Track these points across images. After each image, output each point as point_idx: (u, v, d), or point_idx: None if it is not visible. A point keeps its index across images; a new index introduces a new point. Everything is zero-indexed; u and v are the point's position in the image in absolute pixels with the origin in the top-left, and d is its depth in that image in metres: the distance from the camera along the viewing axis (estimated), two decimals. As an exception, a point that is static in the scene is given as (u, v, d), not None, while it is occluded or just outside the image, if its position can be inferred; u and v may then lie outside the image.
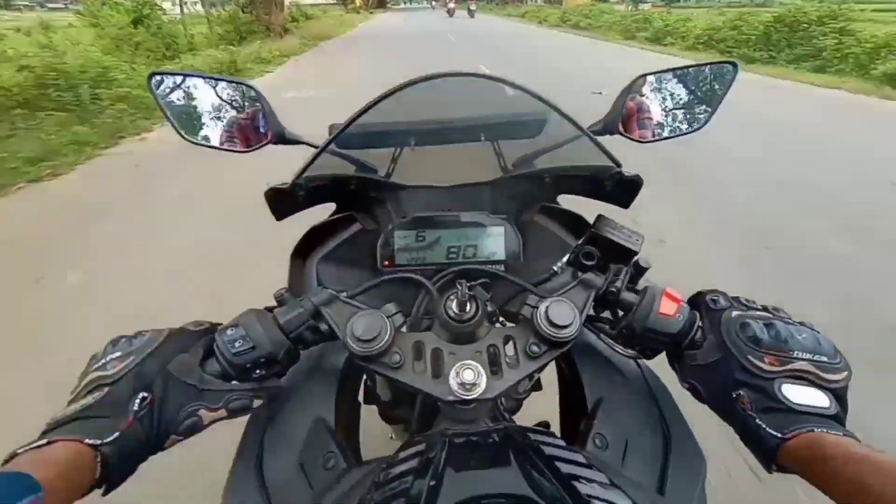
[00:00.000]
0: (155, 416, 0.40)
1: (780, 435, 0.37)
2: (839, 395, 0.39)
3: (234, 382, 0.45)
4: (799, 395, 0.39)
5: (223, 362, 0.44)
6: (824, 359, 0.40)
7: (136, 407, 0.38)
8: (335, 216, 0.67)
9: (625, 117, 0.65)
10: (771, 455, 0.38)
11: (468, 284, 0.46)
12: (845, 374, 0.40)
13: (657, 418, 0.52)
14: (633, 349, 0.51)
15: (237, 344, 0.44)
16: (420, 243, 0.62)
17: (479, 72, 0.52)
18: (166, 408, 0.41)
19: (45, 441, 0.34)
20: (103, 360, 0.41)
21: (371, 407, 0.81)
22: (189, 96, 0.66)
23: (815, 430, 0.36)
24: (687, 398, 0.50)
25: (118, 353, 0.42)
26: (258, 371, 0.46)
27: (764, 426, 0.38)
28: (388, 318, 0.44)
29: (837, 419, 0.38)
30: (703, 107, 0.67)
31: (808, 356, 0.40)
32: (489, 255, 0.62)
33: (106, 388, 0.39)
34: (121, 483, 0.38)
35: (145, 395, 0.39)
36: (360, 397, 0.74)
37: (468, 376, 0.42)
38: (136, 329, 0.45)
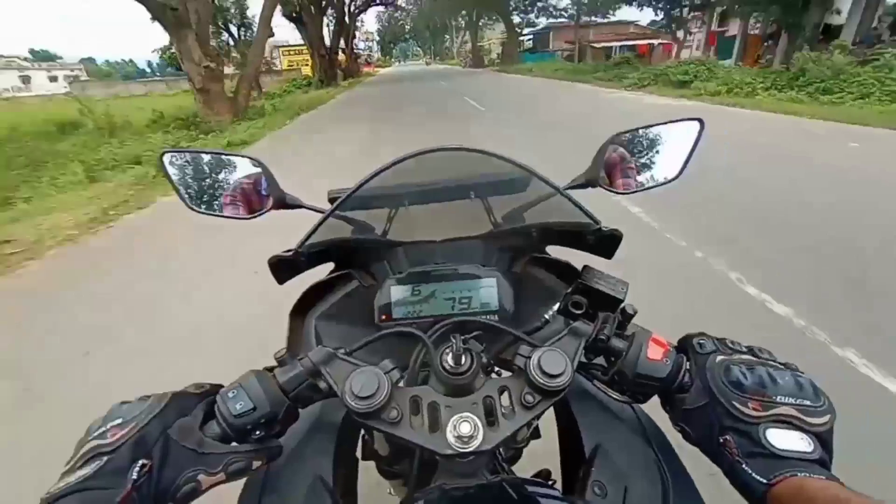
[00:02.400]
0: (153, 483, 0.39)
1: (764, 481, 0.38)
2: (823, 439, 0.40)
3: (233, 444, 0.45)
4: (783, 440, 0.40)
5: (223, 424, 0.45)
6: (807, 402, 0.41)
7: (134, 476, 0.38)
8: (333, 274, 0.69)
9: (606, 171, 0.70)
10: (758, 499, 0.39)
11: (462, 337, 0.48)
12: (828, 416, 0.41)
13: (654, 463, 0.53)
14: (625, 394, 0.53)
15: (238, 406, 0.45)
16: (416, 297, 0.64)
17: (466, 146, 0.56)
18: (165, 475, 0.40)
19: None
20: (103, 428, 0.41)
21: (369, 462, 0.80)
22: (196, 171, 0.71)
23: (799, 474, 0.37)
24: (682, 440, 0.51)
25: (118, 420, 0.41)
26: (258, 432, 0.46)
27: (749, 471, 0.39)
28: (385, 373, 0.45)
29: (822, 463, 0.39)
30: (676, 159, 0.72)
31: (791, 400, 0.41)
32: (483, 305, 0.64)
33: (105, 458, 0.38)
34: None
35: (145, 462, 0.39)
36: (359, 453, 0.74)
37: (465, 429, 0.42)
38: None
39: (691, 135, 0.72)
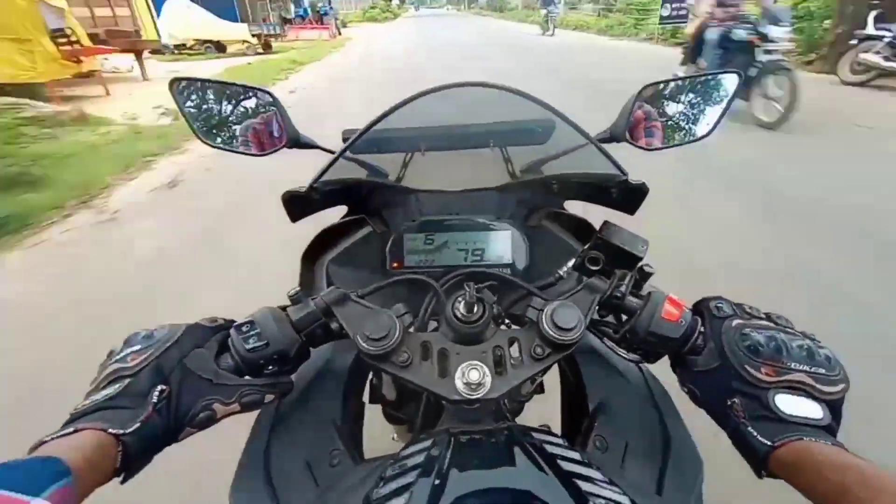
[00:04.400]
0: (172, 407, 0.41)
1: (769, 443, 0.38)
2: (834, 407, 0.40)
3: (246, 378, 0.46)
4: (792, 405, 0.40)
5: (237, 358, 0.46)
6: (821, 370, 0.41)
7: (154, 399, 0.40)
8: (346, 219, 0.68)
9: (632, 125, 0.67)
10: (761, 462, 0.39)
11: (475, 287, 0.47)
12: (842, 386, 0.41)
13: (657, 421, 0.53)
14: (635, 353, 0.52)
15: (251, 340, 0.46)
16: (429, 246, 0.63)
17: (489, 82, 0.53)
18: (182, 400, 0.42)
19: (71, 429, 0.35)
20: (122, 353, 0.43)
21: (373, 407, 0.83)
22: (208, 101, 0.69)
23: (805, 438, 0.37)
24: (687, 402, 0.51)
25: (137, 347, 0.43)
26: (270, 367, 0.47)
27: (755, 433, 0.40)
28: (397, 318, 0.45)
29: (829, 430, 0.39)
30: (708, 114, 0.68)
31: (805, 367, 0.41)
32: (496, 258, 0.64)
33: (126, 380, 0.40)
34: (138, 472, 0.40)
35: (163, 387, 0.41)
36: (365, 396, 0.76)
37: (474, 376, 0.43)
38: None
39: (727, 88, 0.68)
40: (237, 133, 0.69)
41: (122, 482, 0.39)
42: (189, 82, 0.69)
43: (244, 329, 0.46)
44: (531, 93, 0.54)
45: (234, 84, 0.69)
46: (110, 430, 0.36)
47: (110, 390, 0.40)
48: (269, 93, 0.67)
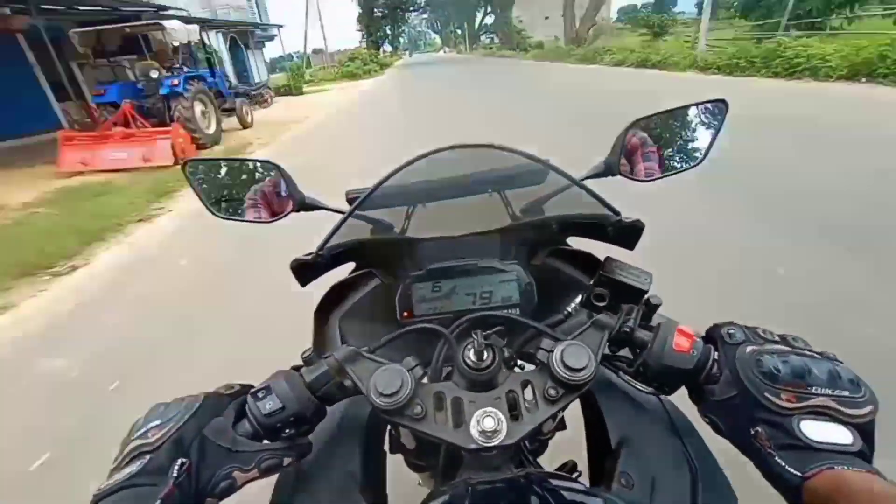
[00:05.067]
0: (192, 480, 0.41)
1: (799, 473, 0.37)
2: (864, 430, 0.39)
3: (265, 442, 0.47)
4: (819, 431, 0.38)
5: (255, 423, 0.46)
6: (845, 393, 0.39)
7: (175, 473, 0.40)
8: (355, 273, 0.70)
9: (626, 157, 0.68)
10: (794, 493, 0.37)
11: (484, 333, 0.48)
12: (870, 408, 0.39)
13: (682, 455, 0.52)
14: (651, 386, 0.52)
15: (268, 405, 0.46)
16: (437, 293, 0.64)
17: (479, 143, 0.56)
18: (203, 472, 0.42)
19: None
20: (144, 429, 0.44)
21: (398, 456, 0.82)
22: (217, 177, 0.74)
23: (836, 467, 0.35)
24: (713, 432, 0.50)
25: (158, 421, 0.44)
26: (288, 430, 0.48)
27: (783, 464, 0.38)
28: (408, 370, 0.46)
29: (862, 455, 0.37)
30: (699, 142, 0.70)
31: (828, 391, 0.39)
32: (504, 299, 0.64)
33: (148, 456, 0.41)
34: None
35: (184, 460, 0.41)
36: (386, 446, 0.75)
37: (489, 424, 0.43)
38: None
39: (715, 116, 0.69)
40: (247, 202, 0.72)
41: None
42: (199, 162, 0.74)
43: (260, 395, 0.47)
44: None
45: (241, 159, 0.75)
46: None
47: (133, 468, 0.40)
48: (272, 163, 0.72)
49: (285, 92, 19.55)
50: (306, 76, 26.23)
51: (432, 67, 32.07)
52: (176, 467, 0.40)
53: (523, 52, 33.90)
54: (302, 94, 19.81)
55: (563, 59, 22.85)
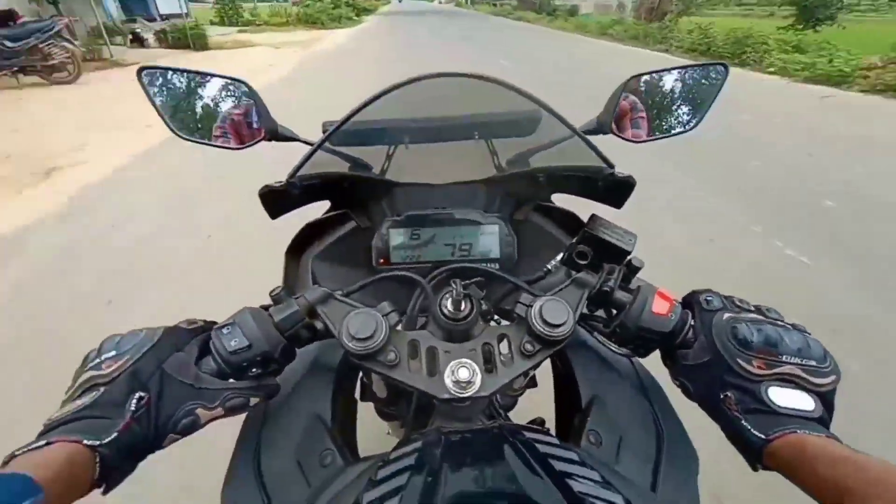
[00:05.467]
0: (152, 415, 0.40)
1: (763, 436, 0.38)
2: (826, 399, 0.40)
3: (230, 381, 0.45)
4: (784, 398, 0.40)
5: (219, 361, 0.45)
6: (812, 363, 0.41)
7: (132, 407, 0.38)
8: (330, 213, 0.67)
9: (618, 116, 0.66)
10: (756, 455, 0.39)
11: (463, 283, 0.46)
12: (833, 378, 0.41)
13: (650, 416, 0.53)
14: (626, 347, 0.52)
15: (233, 342, 0.44)
16: (415, 241, 0.62)
17: (473, 72, 0.52)
18: (163, 407, 0.41)
19: (43, 442, 0.34)
20: (97, 360, 0.41)
21: (368, 403, 0.82)
22: (180, 92, 0.66)
23: (798, 431, 0.37)
24: (680, 396, 0.51)
25: (112, 353, 0.42)
26: (254, 369, 0.46)
27: (749, 427, 0.40)
28: (383, 316, 0.44)
29: (822, 422, 0.39)
30: (695, 106, 0.68)
31: (797, 360, 0.41)
32: (484, 253, 0.63)
33: (102, 388, 0.39)
34: (120, 482, 0.39)
35: (142, 394, 0.39)
36: (357, 394, 0.75)
37: (463, 374, 0.42)
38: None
39: (714, 80, 0.67)
40: (213, 125, 0.66)
41: (104, 493, 0.38)
42: (159, 71, 0.66)
43: (225, 331, 0.45)
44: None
45: (207, 73, 0.66)
46: (85, 442, 0.35)
47: (86, 399, 0.38)
48: (244, 83, 0.65)
49: (175, 43, 11.37)
50: (245, 14, 19.64)
51: (426, 22, 22.53)
52: (134, 400, 0.39)
53: (550, 17, 22.44)
54: (206, 48, 11.42)
55: (587, 33, 15.56)
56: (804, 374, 0.40)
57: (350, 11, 23.95)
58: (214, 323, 0.47)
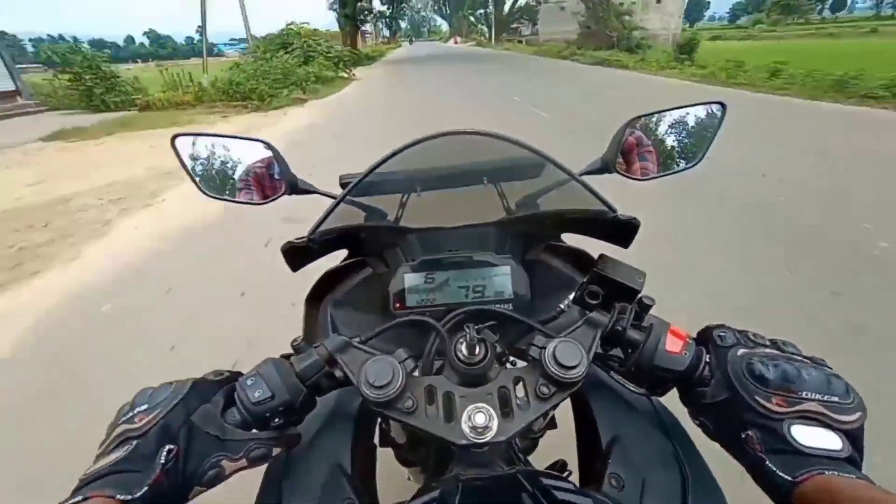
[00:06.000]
0: (180, 467, 0.41)
1: (790, 478, 0.37)
2: (853, 437, 0.39)
3: (253, 431, 0.46)
4: (809, 436, 0.38)
5: (243, 412, 0.46)
6: (835, 399, 0.40)
7: (162, 459, 0.39)
8: (348, 261, 0.70)
9: (623, 155, 0.68)
10: (784, 498, 0.38)
11: (476, 327, 0.47)
12: (858, 414, 0.39)
13: (673, 456, 0.52)
14: (642, 386, 0.52)
15: (257, 393, 0.46)
16: (429, 284, 0.64)
17: (479, 129, 0.55)
18: (190, 459, 0.42)
19: (80, 498, 0.35)
20: (130, 413, 0.43)
21: (388, 449, 0.81)
22: (209, 155, 0.71)
23: (826, 472, 0.35)
24: (702, 435, 0.50)
25: (145, 406, 0.43)
26: (277, 419, 0.47)
27: (774, 468, 0.38)
28: (400, 363, 0.45)
29: (851, 461, 0.38)
30: (697, 144, 0.70)
31: (818, 396, 0.40)
32: (497, 293, 0.64)
33: (134, 442, 0.40)
34: None
35: (171, 447, 0.40)
36: (376, 440, 0.75)
37: (480, 420, 0.42)
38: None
39: (713, 118, 0.69)
40: (238, 182, 0.70)
41: None
42: (189, 137, 0.71)
43: (249, 382, 0.47)
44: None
45: (234, 136, 0.71)
46: (119, 497, 0.36)
47: (119, 453, 0.39)
48: (266, 142, 0.69)
49: None
50: (124, 86, 12.17)
51: (449, 76, 16.14)
52: (164, 453, 0.40)
53: (629, 53, 17.22)
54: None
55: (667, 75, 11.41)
56: (827, 412, 0.39)
57: (328, 69, 15.12)
58: (240, 374, 0.49)
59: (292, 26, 17.06)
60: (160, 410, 0.42)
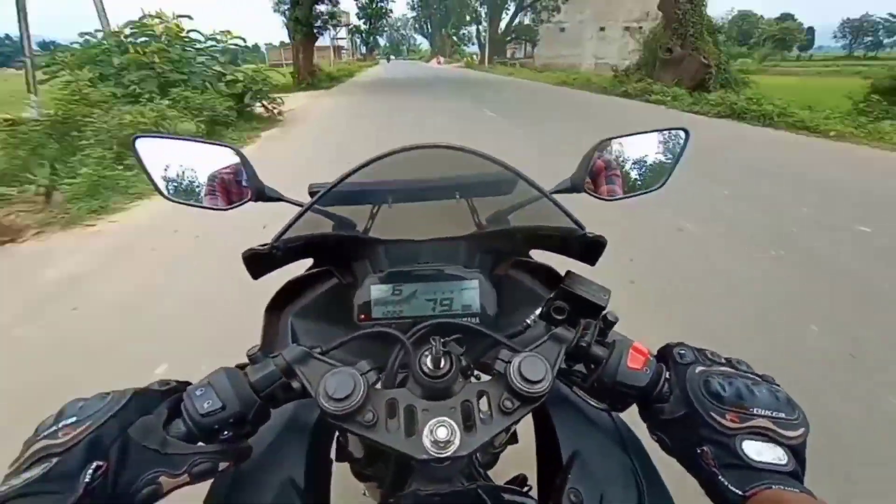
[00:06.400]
0: (108, 486, 0.37)
1: (740, 492, 0.38)
2: (797, 451, 0.41)
3: (199, 444, 0.43)
4: (758, 451, 0.40)
5: (189, 423, 0.43)
6: (782, 415, 0.42)
7: (87, 478, 0.35)
8: (312, 270, 0.67)
9: (592, 176, 0.70)
10: None
11: (442, 340, 0.47)
12: (802, 430, 0.41)
13: (631, 471, 0.53)
14: (604, 402, 0.52)
15: (206, 404, 0.43)
16: (396, 296, 0.63)
17: (452, 144, 0.55)
18: (122, 476, 0.38)
19: None
20: (54, 427, 0.38)
21: (343, 464, 0.79)
22: (171, 158, 0.68)
23: (774, 486, 0.37)
24: (658, 450, 0.51)
25: (73, 419, 0.39)
26: (226, 432, 0.45)
27: (726, 482, 0.40)
28: (362, 375, 0.44)
29: (794, 475, 0.40)
30: (661, 166, 0.73)
31: (767, 413, 0.42)
32: (464, 307, 0.64)
33: (55, 459, 0.36)
34: None
35: (100, 463, 0.36)
36: (332, 454, 0.72)
37: (442, 434, 0.42)
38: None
39: (677, 144, 0.72)
40: (202, 188, 0.68)
41: None
42: (151, 139, 0.68)
43: (198, 392, 0.44)
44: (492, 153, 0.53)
45: (198, 140, 0.69)
46: None
47: (34, 472, 0.35)
48: (233, 148, 0.68)
49: None
50: None
51: (442, 113, 10.89)
52: (90, 471, 0.36)
53: (724, 91, 11.38)
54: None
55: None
56: (775, 427, 0.41)
57: (228, 104, 8.24)
58: (188, 384, 0.46)
59: (154, 18, 8.85)
60: (91, 423, 0.38)
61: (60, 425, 0.38)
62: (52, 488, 0.35)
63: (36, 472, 0.35)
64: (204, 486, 0.49)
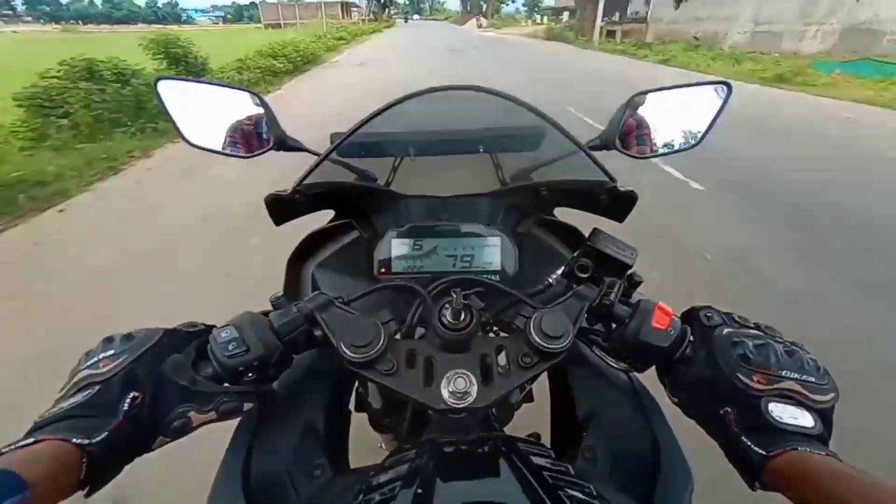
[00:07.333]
0: (144, 416, 0.39)
1: (764, 453, 0.38)
2: (825, 416, 0.40)
3: (225, 385, 0.45)
4: (785, 413, 0.39)
5: (216, 364, 0.44)
6: (812, 379, 0.41)
7: (126, 406, 0.38)
8: (334, 223, 0.67)
9: (622, 133, 0.67)
10: (755, 472, 0.38)
11: (463, 293, 0.46)
12: (832, 395, 0.41)
13: (646, 432, 0.52)
14: (624, 362, 0.52)
15: (231, 346, 0.44)
16: (417, 251, 0.62)
17: (480, 86, 0.53)
18: (156, 408, 0.40)
19: (31, 440, 0.33)
20: (95, 358, 0.41)
21: (361, 414, 0.81)
22: (194, 102, 0.67)
23: (799, 448, 0.36)
24: (676, 412, 0.50)
25: (111, 352, 0.41)
26: (250, 374, 0.46)
27: (749, 443, 0.39)
28: (382, 324, 0.44)
29: (821, 439, 0.39)
30: (699, 123, 0.69)
31: (796, 376, 0.41)
32: (485, 265, 0.63)
33: (97, 387, 0.39)
34: (105, 484, 0.38)
35: (136, 394, 0.39)
36: (352, 405, 0.74)
37: (460, 385, 0.42)
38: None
39: (717, 98, 0.68)
40: (224, 134, 0.67)
41: (87, 496, 0.37)
42: (174, 82, 0.67)
43: (223, 335, 0.45)
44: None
45: (221, 84, 0.68)
46: (74, 441, 0.34)
47: (79, 397, 0.38)
48: (256, 94, 0.66)
49: None
50: None
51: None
52: (128, 400, 0.38)
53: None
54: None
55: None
56: (804, 391, 0.40)
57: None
58: (214, 326, 0.47)
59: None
60: (127, 356, 0.41)
61: (100, 357, 0.41)
62: (94, 412, 0.37)
63: (80, 397, 0.38)
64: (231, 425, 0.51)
